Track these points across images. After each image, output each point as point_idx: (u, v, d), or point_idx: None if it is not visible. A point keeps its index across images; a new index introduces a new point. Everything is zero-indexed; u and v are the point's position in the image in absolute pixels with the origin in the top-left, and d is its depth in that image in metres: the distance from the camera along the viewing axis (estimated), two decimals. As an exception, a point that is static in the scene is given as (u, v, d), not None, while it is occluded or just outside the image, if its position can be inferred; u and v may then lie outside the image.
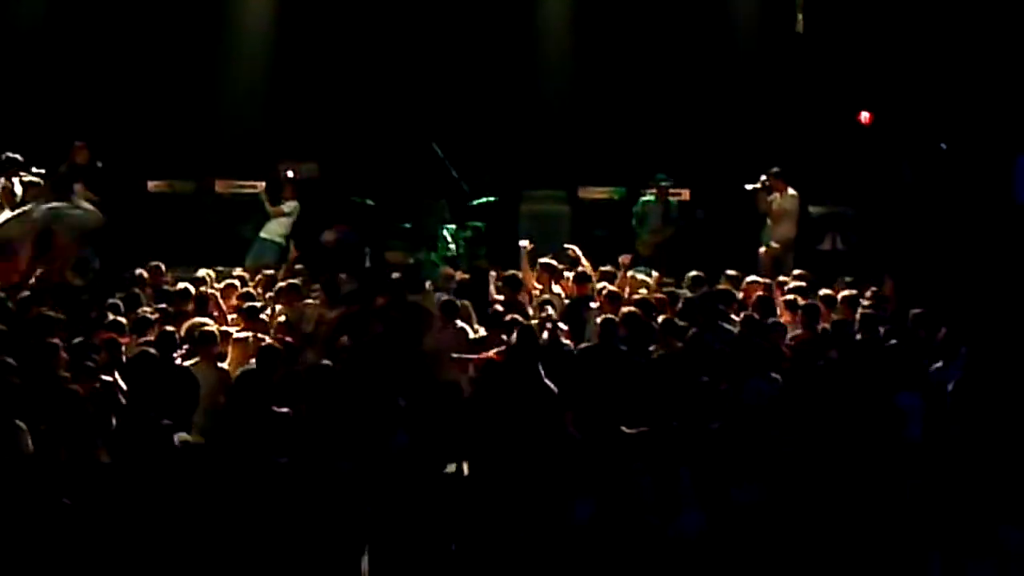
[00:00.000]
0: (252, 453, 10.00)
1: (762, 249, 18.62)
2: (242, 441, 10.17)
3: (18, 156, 18.13)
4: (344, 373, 11.47)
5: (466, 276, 16.43)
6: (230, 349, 12.67)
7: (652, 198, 19.25)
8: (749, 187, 18.93)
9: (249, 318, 13.43)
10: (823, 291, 15.10)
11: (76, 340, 12.10)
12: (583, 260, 15.91)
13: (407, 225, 19.80)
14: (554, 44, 21.93)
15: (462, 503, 9.72)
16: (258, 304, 13.93)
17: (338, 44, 21.47)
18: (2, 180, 18.06)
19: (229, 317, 14.03)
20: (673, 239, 18.93)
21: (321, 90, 21.43)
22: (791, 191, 18.82)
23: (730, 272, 16.06)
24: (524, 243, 16.46)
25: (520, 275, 15.38)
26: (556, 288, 15.45)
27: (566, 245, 16.56)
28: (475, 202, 19.42)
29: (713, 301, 14.03)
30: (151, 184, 20.55)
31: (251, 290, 15.23)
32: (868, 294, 15.06)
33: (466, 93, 21.42)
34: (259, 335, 12.88)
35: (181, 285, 14.85)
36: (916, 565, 8.69)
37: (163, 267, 16.04)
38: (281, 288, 14.88)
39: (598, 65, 21.59)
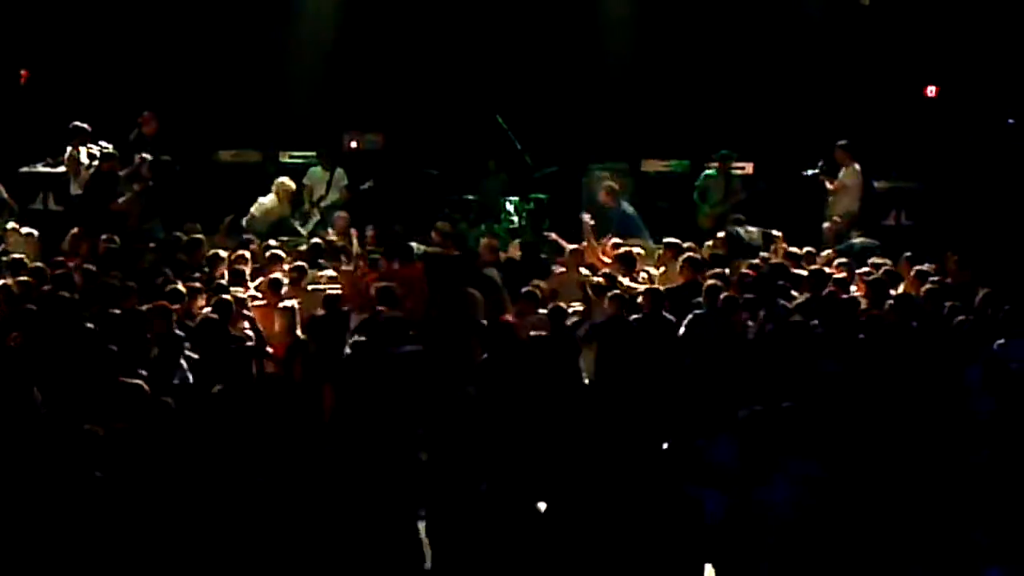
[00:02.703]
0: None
1: (826, 224, 18.56)
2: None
3: (86, 126, 18.36)
4: None
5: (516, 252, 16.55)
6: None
7: (714, 172, 19.21)
8: (807, 173, 18.85)
9: (272, 290, 13.65)
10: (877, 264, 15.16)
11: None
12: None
13: (469, 197, 19.88)
14: (617, 16, 21.86)
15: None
16: (282, 277, 14.08)
17: (403, 16, 21.50)
18: (69, 149, 18.30)
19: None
20: (735, 213, 18.88)
21: (386, 61, 21.47)
22: (855, 165, 18.75)
23: (793, 249, 16.13)
24: (586, 217, 16.47)
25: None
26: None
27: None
28: (538, 173, 19.43)
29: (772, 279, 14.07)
30: (219, 154, 20.69)
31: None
32: (925, 268, 15.02)
33: (530, 65, 21.39)
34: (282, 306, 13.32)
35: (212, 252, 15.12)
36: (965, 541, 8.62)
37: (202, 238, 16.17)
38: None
39: (661, 37, 21.51)
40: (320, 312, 13.14)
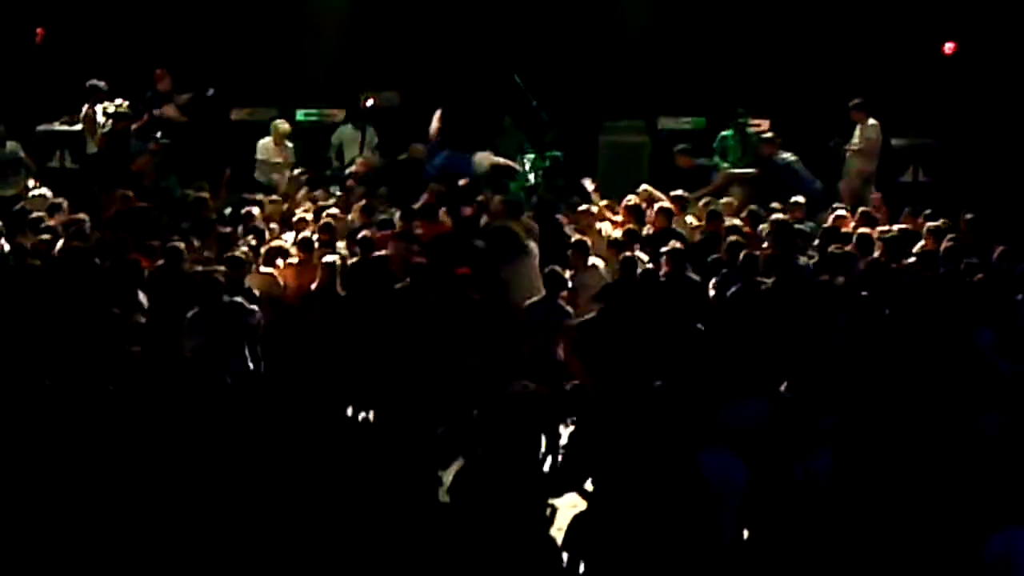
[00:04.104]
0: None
1: (842, 181, 18.54)
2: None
3: (102, 84, 18.37)
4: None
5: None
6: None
7: (731, 132, 19.16)
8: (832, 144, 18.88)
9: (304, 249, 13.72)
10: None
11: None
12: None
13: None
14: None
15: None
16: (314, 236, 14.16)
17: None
18: (86, 107, 18.33)
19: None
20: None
21: (402, 19, 21.43)
22: (872, 121, 18.69)
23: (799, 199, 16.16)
24: (587, 182, 16.42)
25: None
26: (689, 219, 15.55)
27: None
28: (547, 137, 19.36)
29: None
30: (234, 112, 20.66)
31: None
32: (941, 224, 15.03)
33: (547, 23, 21.34)
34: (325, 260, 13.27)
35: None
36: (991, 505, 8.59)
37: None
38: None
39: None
40: (354, 259, 13.26)
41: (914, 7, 20.65)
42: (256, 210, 15.35)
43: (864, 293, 12.22)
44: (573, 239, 14.00)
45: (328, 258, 13.10)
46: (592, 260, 13.64)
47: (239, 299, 11.88)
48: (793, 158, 18.24)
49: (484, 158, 18.02)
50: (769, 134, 18.57)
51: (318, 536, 8.47)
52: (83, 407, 9.20)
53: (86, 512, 8.47)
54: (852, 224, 15.26)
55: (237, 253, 13.05)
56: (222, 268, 12.47)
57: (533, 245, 13.78)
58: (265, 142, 19.25)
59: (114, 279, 12.28)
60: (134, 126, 18.08)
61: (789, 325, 11.57)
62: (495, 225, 14.40)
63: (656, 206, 15.34)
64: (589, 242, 13.92)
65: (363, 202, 16.14)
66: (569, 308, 12.55)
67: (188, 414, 9.29)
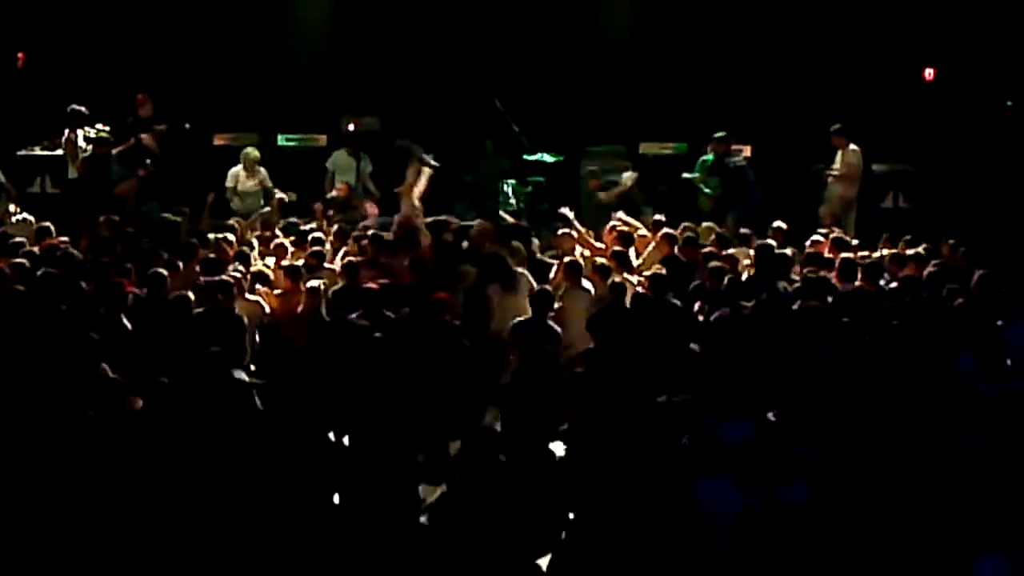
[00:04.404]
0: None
1: (823, 206, 18.58)
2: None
3: (83, 109, 18.33)
4: None
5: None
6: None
7: (711, 157, 19.18)
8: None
9: (290, 277, 13.67)
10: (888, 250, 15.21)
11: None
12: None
13: (468, 179, 19.87)
14: (616, -2, 21.97)
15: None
16: (299, 263, 14.11)
17: (400, -1, 21.55)
18: (67, 132, 18.29)
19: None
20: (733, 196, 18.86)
21: (383, 44, 21.44)
22: (853, 147, 18.74)
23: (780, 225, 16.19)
24: (566, 210, 16.41)
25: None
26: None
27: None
28: (532, 157, 19.40)
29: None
30: (216, 138, 20.64)
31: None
32: (922, 250, 15.06)
33: (528, 48, 21.37)
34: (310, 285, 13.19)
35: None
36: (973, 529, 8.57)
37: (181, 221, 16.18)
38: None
39: (659, 20, 21.51)
40: (340, 284, 13.26)
41: (895, 34, 20.73)
42: (232, 236, 15.30)
43: (845, 319, 12.20)
44: (567, 259, 13.96)
45: (312, 283, 13.07)
46: (584, 282, 13.60)
47: (240, 374, 11.74)
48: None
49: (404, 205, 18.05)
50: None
51: (299, 561, 8.45)
52: (62, 433, 9.14)
53: (65, 537, 8.42)
54: (826, 250, 15.28)
55: (225, 278, 13.01)
56: (215, 296, 12.49)
57: (521, 271, 13.74)
58: (235, 170, 19.21)
59: (97, 303, 12.22)
60: (116, 151, 18.04)
61: (771, 350, 11.53)
62: (480, 250, 14.39)
63: (660, 232, 15.29)
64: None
65: (336, 227, 16.17)
66: (558, 328, 12.51)
67: (170, 439, 9.26)
